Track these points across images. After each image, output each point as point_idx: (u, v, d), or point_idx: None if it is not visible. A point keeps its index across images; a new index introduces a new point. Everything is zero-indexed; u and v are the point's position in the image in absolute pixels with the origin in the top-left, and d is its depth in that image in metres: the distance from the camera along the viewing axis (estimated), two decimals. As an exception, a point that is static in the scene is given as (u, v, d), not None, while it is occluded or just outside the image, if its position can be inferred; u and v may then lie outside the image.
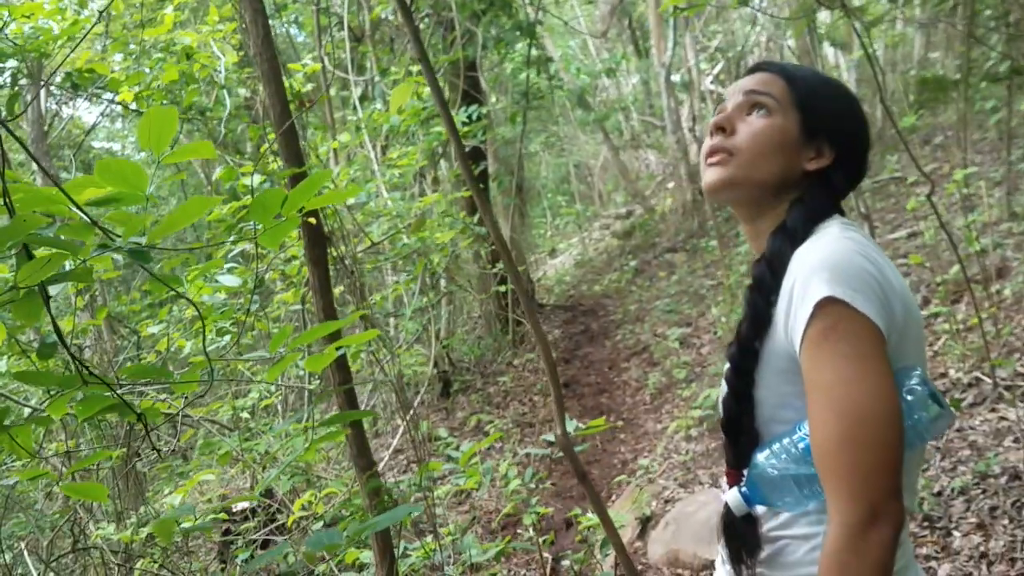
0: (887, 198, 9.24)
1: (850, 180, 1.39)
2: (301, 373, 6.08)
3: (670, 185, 15.23)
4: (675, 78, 14.49)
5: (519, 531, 4.70)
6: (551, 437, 2.76)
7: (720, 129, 1.34)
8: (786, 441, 1.22)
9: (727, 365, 1.33)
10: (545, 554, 4.37)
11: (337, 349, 2.19)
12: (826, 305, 1.11)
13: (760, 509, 1.30)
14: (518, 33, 8.18)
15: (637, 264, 12.51)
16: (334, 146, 5.89)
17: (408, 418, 2.68)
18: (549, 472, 5.88)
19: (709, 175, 1.34)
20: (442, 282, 8.88)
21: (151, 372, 1.86)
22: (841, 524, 1.07)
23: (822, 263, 1.15)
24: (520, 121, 9.03)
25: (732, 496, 1.30)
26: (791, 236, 1.26)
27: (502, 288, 8.69)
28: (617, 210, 17.73)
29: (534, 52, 8.74)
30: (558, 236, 20.50)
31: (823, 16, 12.61)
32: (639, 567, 4.42)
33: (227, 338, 3.39)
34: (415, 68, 6.32)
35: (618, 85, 19.18)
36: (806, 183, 1.33)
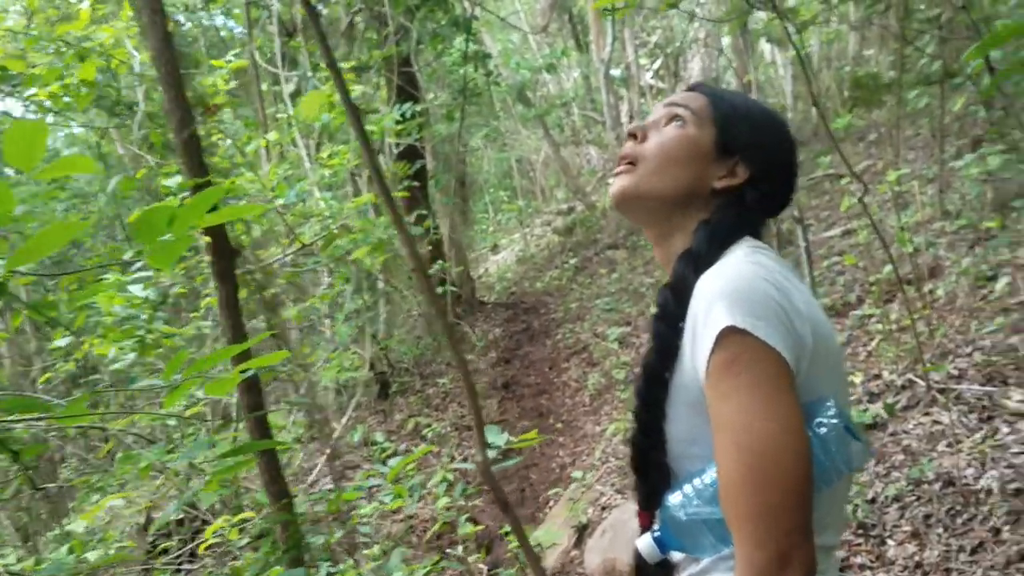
0: (822, 195, 9.32)
1: (768, 204, 1.30)
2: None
3: (611, 181, 15.21)
4: (615, 73, 14.49)
5: (454, 543, 4.59)
6: (494, 433, 2.66)
7: (633, 136, 1.30)
8: (697, 482, 1.13)
9: (634, 399, 1.23)
10: (480, 565, 4.26)
11: (244, 372, 2.05)
12: (728, 335, 1.03)
13: (678, 555, 1.21)
14: (454, 28, 8.03)
15: (578, 261, 12.47)
16: (263, 144, 5.69)
17: (323, 432, 2.54)
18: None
19: (614, 185, 1.29)
20: (379, 283, 8.71)
21: (26, 405, 1.70)
22: (749, 569, 0.98)
23: (723, 290, 1.07)
24: (458, 118, 8.89)
25: (644, 543, 1.20)
26: (695, 260, 1.19)
27: (439, 289, 8.54)
28: (559, 206, 17.68)
29: (472, 47, 8.61)
30: (500, 232, 20.42)
31: (759, 12, 12.69)
32: (576, 576, 4.34)
33: (132, 356, 3.20)
34: (347, 64, 6.15)
35: (559, 80, 19.13)
36: (716, 203, 1.26)
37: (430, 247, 8.56)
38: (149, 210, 1.47)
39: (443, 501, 3.55)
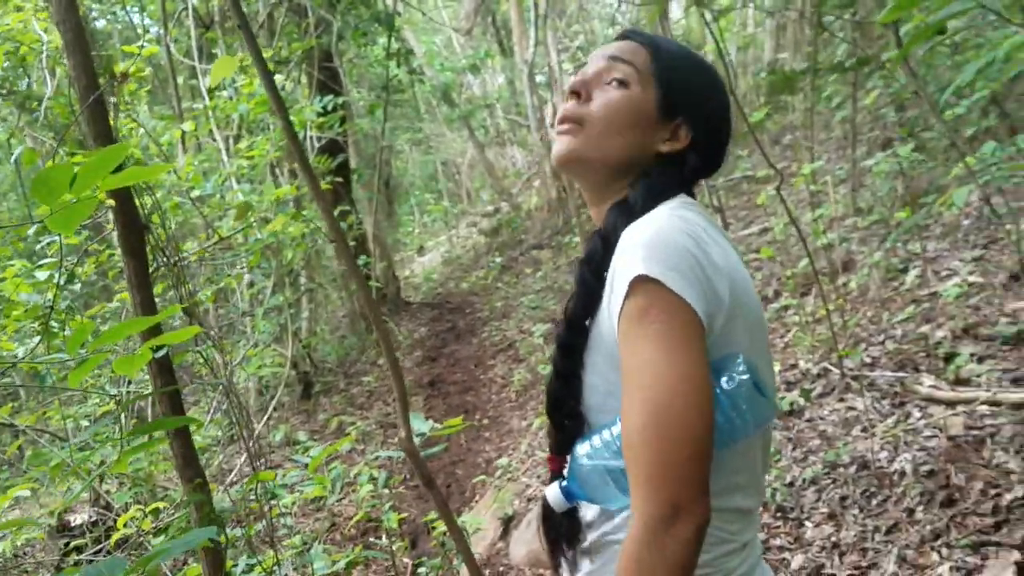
0: (740, 195, 9.53)
1: (706, 166, 1.30)
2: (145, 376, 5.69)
3: (536, 183, 15.30)
4: (540, 77, 14.56)
5: (379, 536, 4.52)
6: (419, 423, 2.62)
7: (575, 94, 1.26)
8: (606, 433, 1.11)
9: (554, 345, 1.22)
10: (405, 559, 4.21)
11: (155, 349, 1.97)
12: (640, 284, 1.02)
13: (590, 515, 1.20)
14: (377, 24, 7.96)
15: (504, 261, 12.49)
16: (177, 135, 5.54)
17: (246, 425, 2.47)
18: (411, 474, 5.71)
19: (557, 145, 1.26)
20: (301, 279, 8.57)
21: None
22: (640, 519, 0.97)
23: (642, 240, 1.05)
24: (380, 114, 8.80)
25: (552, 491, 1.19)
26: (628, 211, 1.18)
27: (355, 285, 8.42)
28: (484, 208, 17.70)
29: (395, 45, 8.54)
30: (426, 234, 20.34)
31: (677, 14, 12.93)
32: (501, 568, 4.32)
33: (36, 340, 3.06)
34: (267, 54, 6.02)
35: (483, 83, 19.15)
36: (657, 165, 1.25)
37: (354, 242, 8.44)
38: (49, 169, 1.40)
39: (366, 489, 3.48)
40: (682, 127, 1.24)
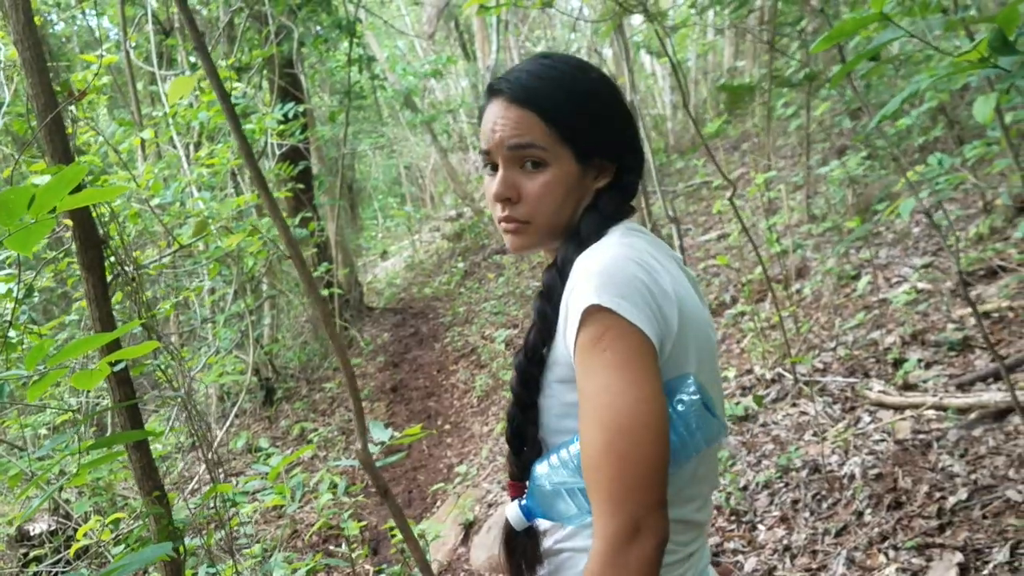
0: (699, 201, 9.65)
1: (638, 174, 1.35)
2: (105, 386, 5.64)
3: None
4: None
5: (340, 544, 4.54)
6: (379, 431, 2.64)
7: (506, 200, 1.26)
8: (563, 453, 1.17)
9: (512, 374, 1.27)
10: (366, 566, 4.22)
11: (114, 364, 1.99)
12: (594, 313, 1.07)
13: (545, 523, 1.25)
14: (338, 31, 7.95)
15: (466, 266, 12.51)
16: (136, 143, 5.50)
17: (204, 436, 2.47)
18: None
19: (512, 242, 1.30)
20: (263, 286, 8.53)
21: None
22: (602, 538, 1.02)
23: (592, 270, 1.11)
24: (342, 120, 8.80)
25: (512, 510, 1.25)
26: (579, 242, 1.23)
27: (324, 292, 8.42)
28: (447, 212, 17.69)
29: (357, 51, 8.54)
30: (389, 239, 20.27)
31: (637, 22, 13.05)
32: (462, 574, 4.36)
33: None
34: (226, 62, 6.01)
35: (446, 87, 19.15)
36: (598, 195, 1.31)
37: (315, 249, 8.42)
38: (8, 191, 1.42)
39: (326, 497, 3.49)
40: (603, 161, 1.28)
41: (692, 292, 1.22)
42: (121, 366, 2.12)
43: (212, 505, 2.48)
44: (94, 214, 2.12)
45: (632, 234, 1.22)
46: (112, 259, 2.14)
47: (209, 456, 2.57)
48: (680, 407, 1.09)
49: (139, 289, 2.20)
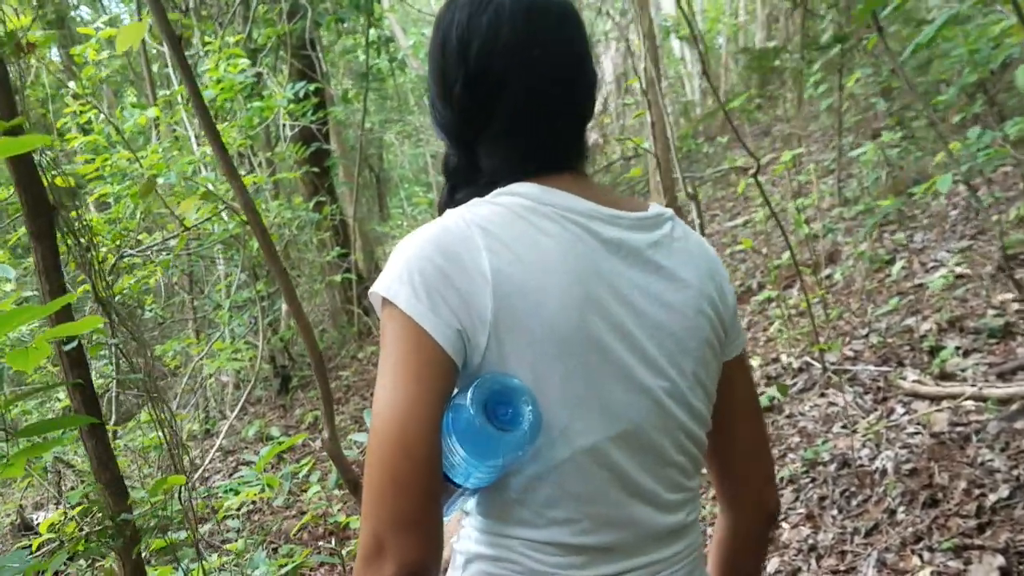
0: (727, 187, 9.38)
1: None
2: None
3: None
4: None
5: (330, 535, 4.36)
6: (364, 437, 2.44)
7: None
8: None
9: None
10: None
11: (64, 342, 1.79)
12: (383, 302, 0.96)
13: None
14: (356, 11, 7.75)
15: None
16: (142, 121, 5.35)
17: (169, 423, 2.29)
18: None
19: None
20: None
21: None
22: (359, 547, 0.91)
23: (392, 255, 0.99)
24: (360, 102, 8.60)
25: None
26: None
27: (337, 278, 8.25)
28: (472, 200, 17.51)
29: (376, 33, 8.35)
30: (414, 226, 20.16)
31: (668, 8, 12.77)
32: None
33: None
34: (232, 39, 5.84)
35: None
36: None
37: (328, 232, 8.25)
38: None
39: (314, 490, 3.30)
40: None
41: (564, 275, 0.96)
42: (73, 344, 1.94)
43: (179, 497, 2.30)
44: (44, 180, 1.94)
45: (486, 203, 1.01)
46: (64, 229, 1.95)
47: (175, 452, 2.38)
48: (450, 415, 0.92)
49: (94, 260, 2.02)
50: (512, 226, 0.97)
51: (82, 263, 1.88)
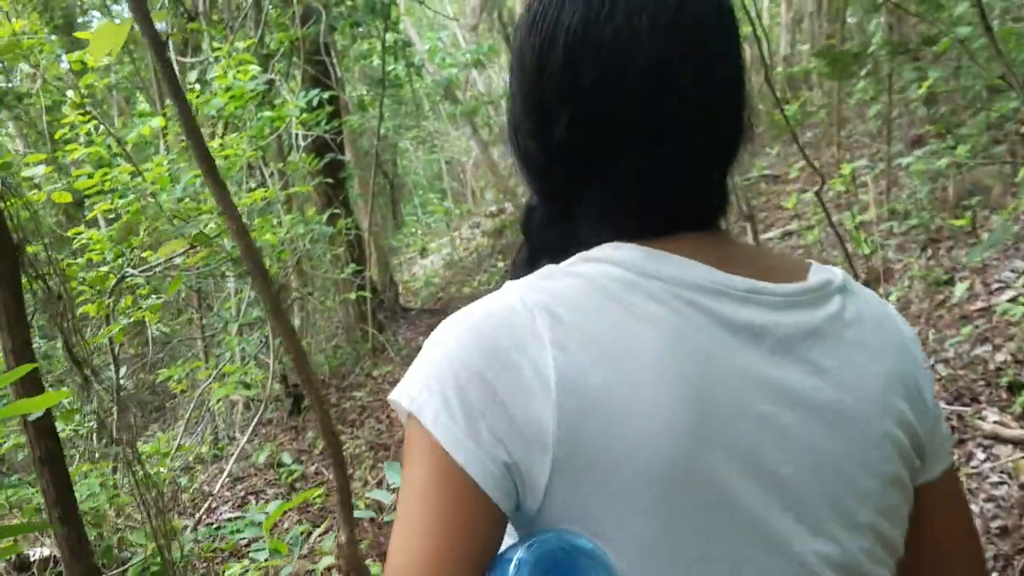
0: (758, 196, 8.98)
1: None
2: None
3: None
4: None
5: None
6: (379, 494, 2.10)
7: None
8: None
9: None
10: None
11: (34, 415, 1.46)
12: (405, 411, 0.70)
13: None
14: (371, 15, 7.44)
15: (507, 265, 11.97)
16: (146, 132, 5.04)
17: (129, 443, 1.95)
18: (386, 537, 5.18)
19: None
20: (293, 285, 8.05)
21: None
22: None
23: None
24: (375, 109, 8.28)
25: None
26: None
27: (352, 296, 7.91)
28: (488, 208, 17.21)
29: (392, 37, 8.03)
30: (429, 235, 19.87)
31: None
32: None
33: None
34: (241, 44, 5.51)
35: (488, 80, 18.68)
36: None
37: (344, 247, 7.91)
38: None
39: (326, 561, 2.89)
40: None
41: (664, 393, 0.63)
42: (39, 414, 1.59)
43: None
44: (6, 214, 1.59)
45: (550, 278, 0.70)
46: (30, 272, 1.61)
47: (143, 493, 2.03)
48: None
49: (66, 309, 1.68)
50: (596, 310, 0.65)
51: (52, 316, 1.56)
